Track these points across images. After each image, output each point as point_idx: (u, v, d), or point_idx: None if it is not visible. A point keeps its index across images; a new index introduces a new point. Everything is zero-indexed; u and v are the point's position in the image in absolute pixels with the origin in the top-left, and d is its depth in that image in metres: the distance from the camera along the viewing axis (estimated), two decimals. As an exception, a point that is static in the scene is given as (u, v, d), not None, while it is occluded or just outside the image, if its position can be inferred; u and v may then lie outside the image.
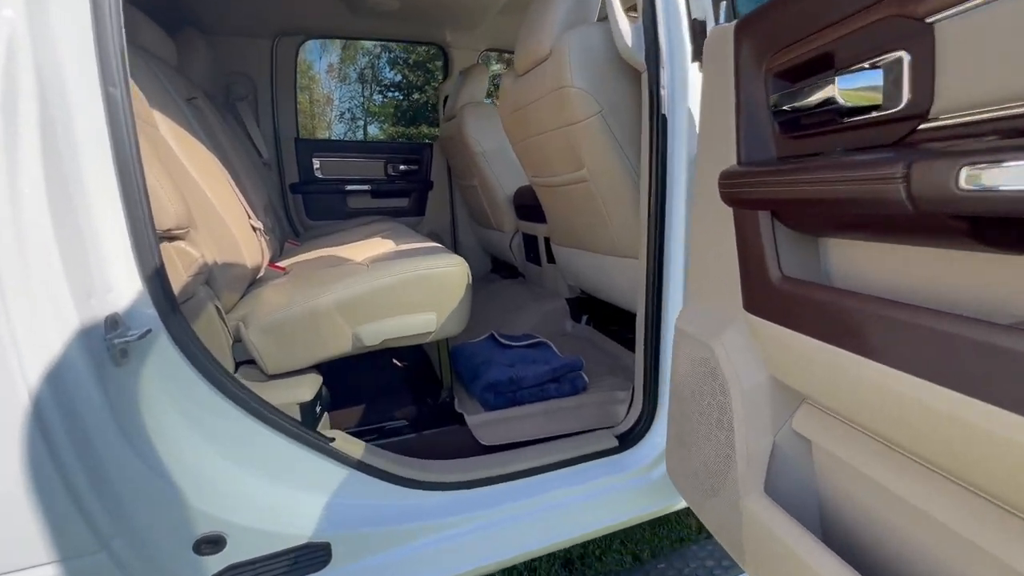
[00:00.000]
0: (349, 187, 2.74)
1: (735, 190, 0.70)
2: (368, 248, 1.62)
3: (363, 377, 1.49)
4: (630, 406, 1.30)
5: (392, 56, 19.80)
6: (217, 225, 1.27)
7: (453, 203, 3.04)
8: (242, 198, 1.54)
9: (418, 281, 1.15)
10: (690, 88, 1.04)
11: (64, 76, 0.69)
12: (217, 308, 1.05)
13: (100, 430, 0.70)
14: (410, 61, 19.52)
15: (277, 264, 1.56)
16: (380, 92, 20.55)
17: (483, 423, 1.24)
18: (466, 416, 1.25)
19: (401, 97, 20.01)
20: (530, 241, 2.22)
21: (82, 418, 0.68)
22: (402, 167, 2.87)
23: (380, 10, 2.31)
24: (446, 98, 2.90)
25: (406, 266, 1.16)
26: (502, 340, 1.56)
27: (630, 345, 1.68)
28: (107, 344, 0.72)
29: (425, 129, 19.43)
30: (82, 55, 0.71)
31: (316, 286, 1.13)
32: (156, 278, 0.79)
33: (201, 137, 1.47)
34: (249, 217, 1.52)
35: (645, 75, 1.07)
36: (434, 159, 2.94)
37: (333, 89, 21.10)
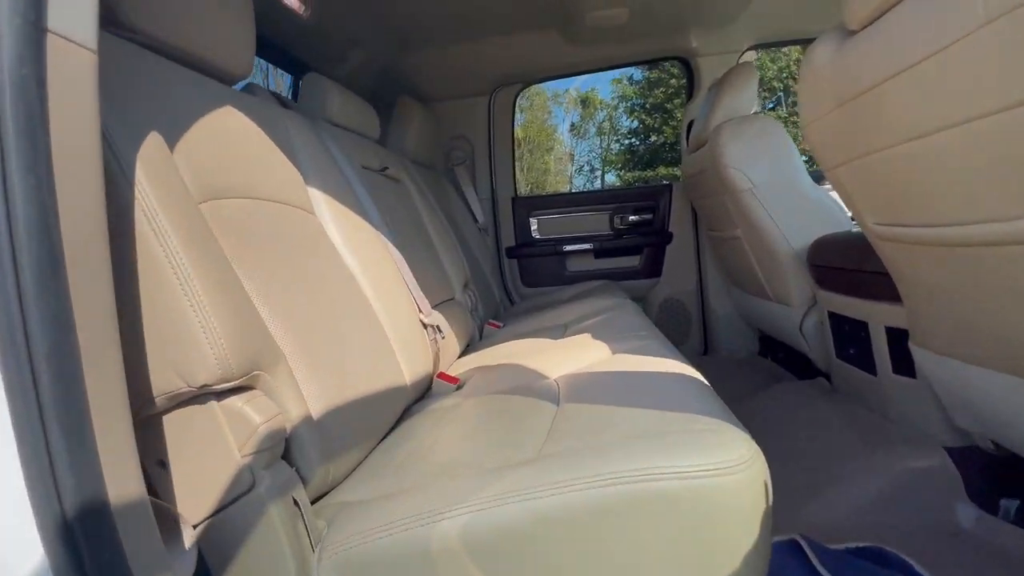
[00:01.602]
0: (567, 247, 2.29)
1: None
2: (575, 352, 1.05)
3: None
4: None
5: (628, 105, 20.01)
6: (360, 333, 0.90)
7: (700, 260, 2.27)
8: (415, 287, 1.18)
9: (655, 504, 0.49)
10: None
11: None
12: (295, 503, 0.61)
13: None
14: (647, 105, 19.35)
15: (448, 374, 1.13)
16: (617, 141, 20.94)
17: None
18: None
19: (638, 143, 19.91)
20: (846, 326, 1.29)
21: None
22: (632, 218, 2.28)
23: (605, 28, 1.84)
24: (690, 125, 2.22)
25: (628, 459, 0.52)
26: (825, 571, 0.74)
27: None
28: None
29: (663, 170, 18.74)
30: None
31: (446, 482, 0.60)
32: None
33: (371, 214, 1.18)
34: (420, 312, 1.15)
35: None
36: (673, 204, 2.25)
37: (574, 144, 22.57)
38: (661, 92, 18.58)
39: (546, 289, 2.32)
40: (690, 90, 2.20)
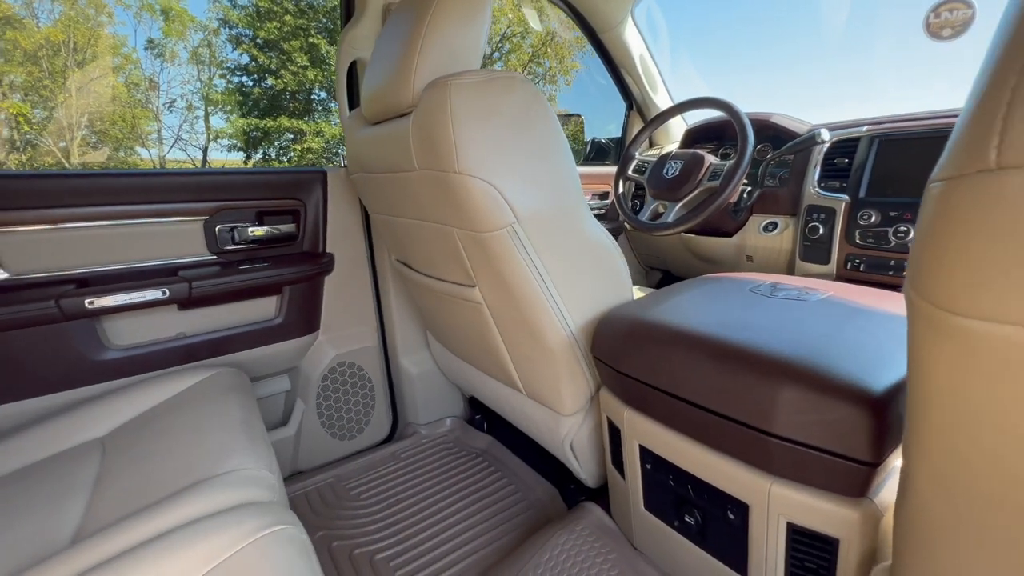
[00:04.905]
0: (102, 300, 1.01)
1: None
2: None
3: None
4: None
5: (235, 33, 16.30)
6: None
7: (379, 295, 1.44)
8: None
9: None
10: None
11: None
12: None
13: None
14: (258, 40, 16.18)
15: None
16: (223, 76, 16.85)
17: None
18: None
19: (251, 83, 16.60)
20: (687, 486, 0.77)
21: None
22: (255, 230, 1.21)
23: None
24: (352, 68, 1.29)
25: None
26: None
27: None
28: None
29: (286, 121, 16.33)
30: None
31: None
32: None
33: None
34: None
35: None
36: (331, 204, 1.31)
37: (159, 71, 16.81)
38: (275, 27, 15.94)
39: (46, 404, 0.99)
40: (348, 5, 1.24)
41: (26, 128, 14.25)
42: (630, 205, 1.84)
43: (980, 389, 0.32)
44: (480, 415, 1.52)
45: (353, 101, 1.31)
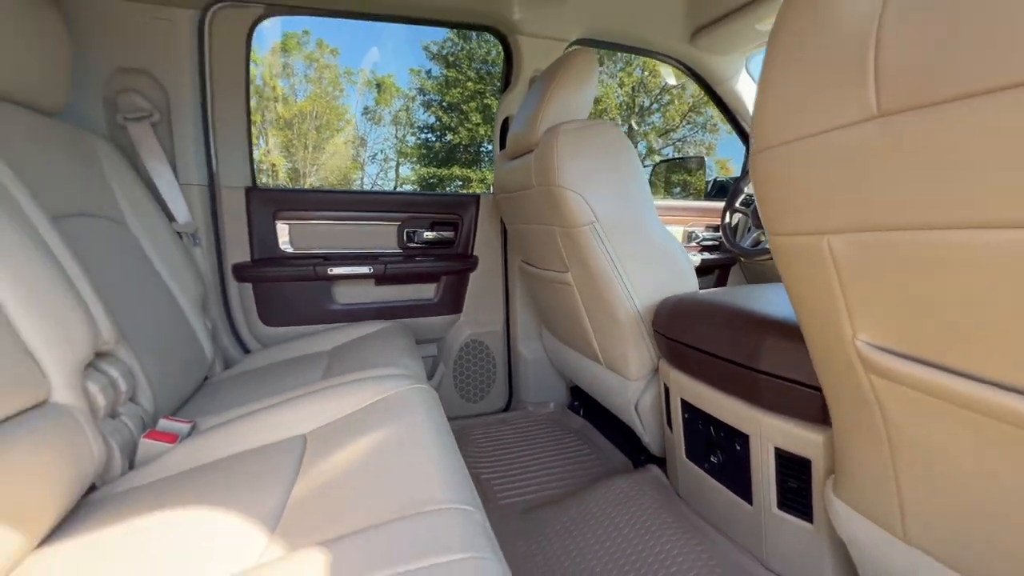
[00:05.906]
0: (336, 269, 1.58)
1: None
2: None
3: None
4: None
5: (426, 99, 19.55)
6: None
7: (509, 293, 1.84)
8: None
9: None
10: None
11: None
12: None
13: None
14: (444, 103, 19.20)
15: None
16: (413, 133, 20.26)
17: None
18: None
19: (434, 139, 19.61)
20: (711, 428, 0.97)
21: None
22: (428, 234, 1.71)
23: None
24: (505, 123, 1.76)
25: None
26: None
27: None
28: None
29: (458, 170, 18.84)
30: None
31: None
32: None
33: None
34: None
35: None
36: (480, 221, 1.76)
37: (368, 130, 20.98)
38: (458, 92, 18.71)
39: (301, 330, 1.57)
40: (507, 78, 1.73)
41: (280, 175, 18.92)
42: (740, 237, 1.97)
43: (799, 293, 0.56)
44: (578, 402, 1.79)
45: (503, 145, 1.77)
